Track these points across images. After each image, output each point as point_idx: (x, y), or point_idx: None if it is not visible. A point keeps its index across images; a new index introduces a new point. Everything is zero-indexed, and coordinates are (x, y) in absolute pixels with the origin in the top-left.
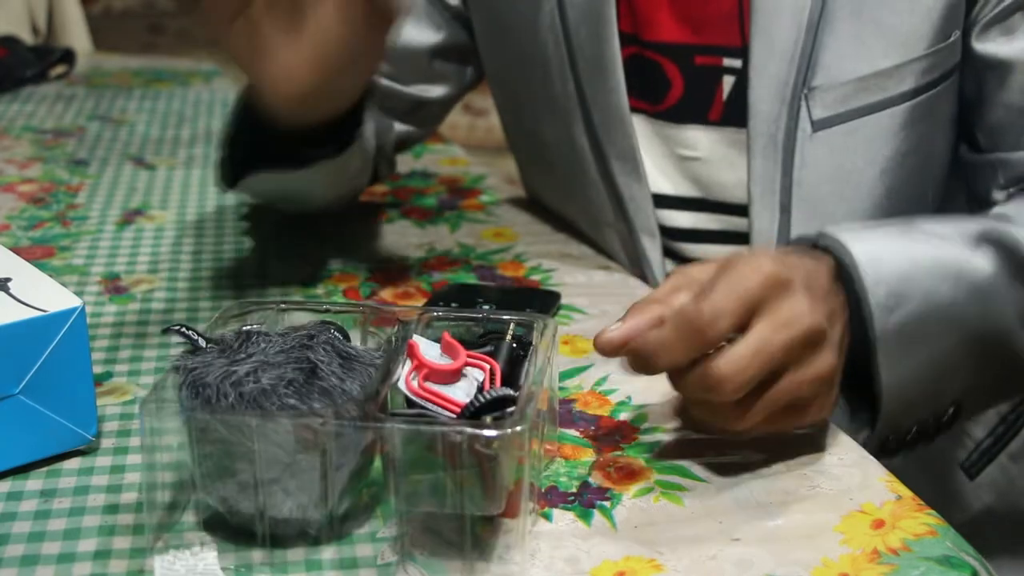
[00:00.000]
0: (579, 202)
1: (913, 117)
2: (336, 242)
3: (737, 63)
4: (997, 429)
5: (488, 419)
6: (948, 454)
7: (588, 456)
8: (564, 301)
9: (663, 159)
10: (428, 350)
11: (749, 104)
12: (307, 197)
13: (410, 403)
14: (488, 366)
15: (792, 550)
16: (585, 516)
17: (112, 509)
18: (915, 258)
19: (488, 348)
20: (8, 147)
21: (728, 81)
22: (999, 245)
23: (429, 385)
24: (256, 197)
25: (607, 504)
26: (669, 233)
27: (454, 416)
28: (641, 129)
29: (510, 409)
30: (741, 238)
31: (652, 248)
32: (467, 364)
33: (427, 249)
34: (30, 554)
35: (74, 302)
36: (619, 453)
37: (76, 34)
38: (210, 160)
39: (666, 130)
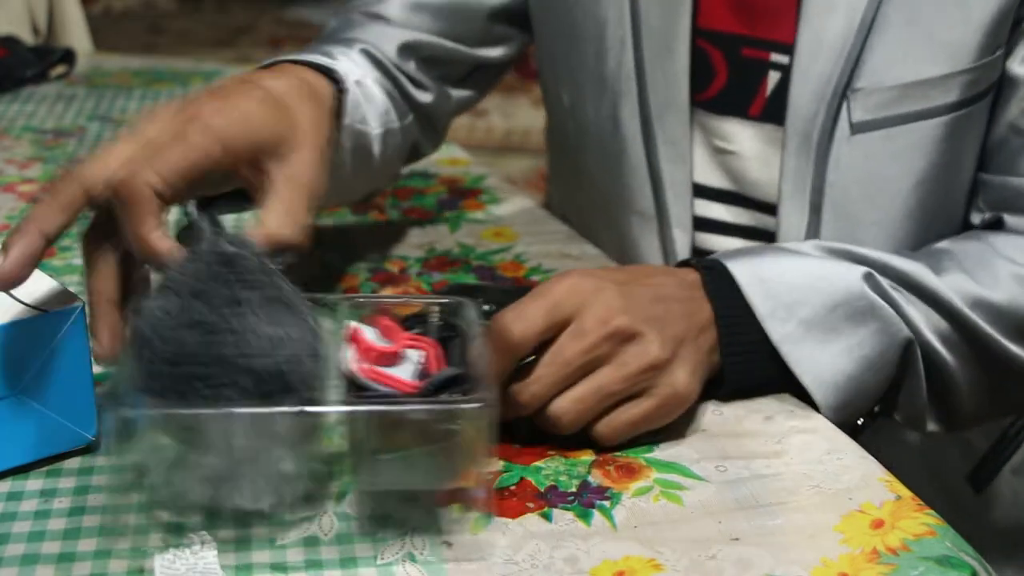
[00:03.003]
0: (612, 186)
1: (953, 130)
2: (336, 242)
3: (785, 59)
4: (999, 444)
5: (449, 395)
6: (956, 466)
7: (588, 456)
8: None
9: (700, 147)
10: (368, 335)
11: (789, 99)
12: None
13: (358, 386)
14: (426, 346)
15: (792, 550)
16: (585, 516)
17: (112, 509)
18: (803, 269)
19: (417, 330)
20: (8, 147)
21: (773, 77)
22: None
23: (377, 368)
24: None
25: (607, 504)
26: (698, 223)
27: (409, 395)
28: None
29: (466, 386)
30: (770, 236)
31: (682, 240)
32: (405, 346)
33: (427, 249)
34: (30, 554)
35: (74, 302)
36: (619, 453)
37: (76, 34)
38: None
39: (705, 120)
